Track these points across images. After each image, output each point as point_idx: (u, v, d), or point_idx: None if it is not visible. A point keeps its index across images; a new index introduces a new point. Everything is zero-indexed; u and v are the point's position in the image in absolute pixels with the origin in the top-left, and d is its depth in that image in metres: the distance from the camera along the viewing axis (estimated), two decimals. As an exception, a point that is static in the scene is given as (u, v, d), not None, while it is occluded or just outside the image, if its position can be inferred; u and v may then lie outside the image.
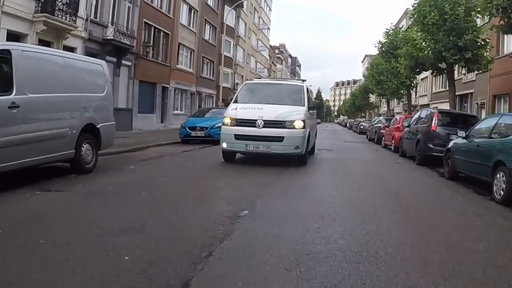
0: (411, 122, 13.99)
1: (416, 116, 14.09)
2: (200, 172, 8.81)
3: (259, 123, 9.19)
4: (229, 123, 9.52)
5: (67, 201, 5.51)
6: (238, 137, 9.28)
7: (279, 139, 9.15)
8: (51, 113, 7.01)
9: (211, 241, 3.84)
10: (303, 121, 9.42)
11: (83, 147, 7.81)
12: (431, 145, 11.38)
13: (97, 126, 8.24)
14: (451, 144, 9.33)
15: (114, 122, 9.20)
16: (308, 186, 7.65)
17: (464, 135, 8.61)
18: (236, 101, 10.30)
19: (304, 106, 9.99)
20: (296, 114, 9.50)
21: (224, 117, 9.83)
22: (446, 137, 11.05)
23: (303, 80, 12.23)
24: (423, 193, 7.49)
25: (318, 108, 18.91)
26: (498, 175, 6.64)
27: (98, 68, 8.85)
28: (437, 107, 22.62)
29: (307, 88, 10.93)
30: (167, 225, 4.37)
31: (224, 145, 9.57)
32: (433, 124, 11.57)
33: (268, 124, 9.19)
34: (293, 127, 9.24)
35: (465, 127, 10.64)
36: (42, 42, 15.03)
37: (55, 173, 7.44)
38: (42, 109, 6.75)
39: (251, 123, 9.26)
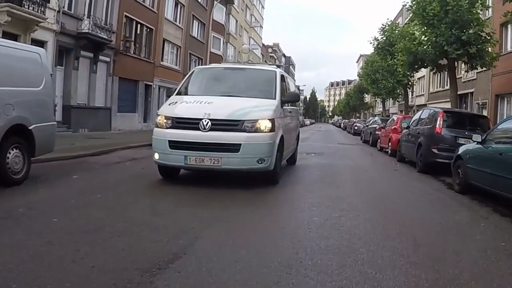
0: (410, 123, 12.54)
1: (417, 116, 12.59)
2: (151, 185, 7.01)
3: (204, 123, 6.35)
4: (163, 125, 6.68)
5: None
6: (174, 145, 6.47)
7: (234, 148, 6.33)
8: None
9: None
10: (271, 120, 6.65)
11: (9, 153, 6.34)
12: (435, 150, 9.88)
13: (29, 128, 6.72)
14: (462, 150, 7.73)
15: (54, 122, 7.70)
16: (280, 209, 5.74)
17: (479, 139, 7.01)
18: (181, 93, 7.61)
19: (275, 99, 7.27)
20: (261, 110, 6.76)
21: (158, 115, 7.04)
22: (453, 140, 9.66)
23: (278, 66, 9.66)
24: (435, 218, 5.56)
25: (312, 107, 17.19)
26: (531, 194, 5.10)
27: (34, 56, 7.28)
28: (435, 107, 21.37)
29: (282, 76, 8.06)
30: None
31: (156, 156, 6.76)
32: (437, 126, 10.05)
33: (218, 125, 6.37)
34: (256, 130, 6.46)
35: (473, 129, 9.45)
36: (7, 35, 13.61)
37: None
38: None
39: (193, 124, 6.42)
